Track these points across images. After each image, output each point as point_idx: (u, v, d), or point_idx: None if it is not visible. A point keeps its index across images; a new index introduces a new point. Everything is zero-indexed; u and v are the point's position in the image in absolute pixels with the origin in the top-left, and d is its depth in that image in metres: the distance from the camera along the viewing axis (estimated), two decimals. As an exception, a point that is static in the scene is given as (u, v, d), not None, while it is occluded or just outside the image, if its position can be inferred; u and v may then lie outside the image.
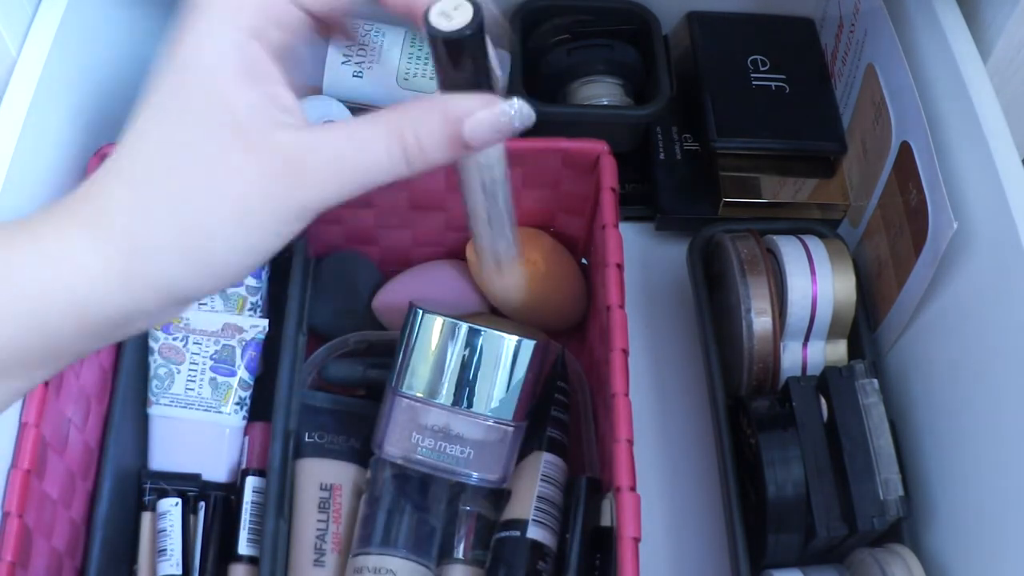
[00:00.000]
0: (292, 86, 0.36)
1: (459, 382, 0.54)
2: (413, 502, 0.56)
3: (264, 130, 0.34)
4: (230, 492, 0.60)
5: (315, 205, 0.34)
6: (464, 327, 0.54)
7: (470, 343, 0.54)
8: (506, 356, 0.54)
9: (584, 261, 0.68)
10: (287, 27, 0.36)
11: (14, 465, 0.50)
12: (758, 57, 0.73)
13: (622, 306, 0.55)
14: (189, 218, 0.33)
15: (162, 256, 0.33)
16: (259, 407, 0.62)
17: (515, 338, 0.54)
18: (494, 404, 0.54)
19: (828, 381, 0.57)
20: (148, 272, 0.33)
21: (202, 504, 0.59)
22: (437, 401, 0.54)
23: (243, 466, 0.60)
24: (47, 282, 0.33)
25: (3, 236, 0.33)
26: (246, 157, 0.33)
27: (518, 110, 0.36)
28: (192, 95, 0.34)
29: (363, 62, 0.67)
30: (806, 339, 0.62)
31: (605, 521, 0.54)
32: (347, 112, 0.67)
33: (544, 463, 0.57)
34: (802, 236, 0.64)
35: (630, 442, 0.50)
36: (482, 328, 0.54)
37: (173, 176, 0.33)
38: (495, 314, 0.67)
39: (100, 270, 0.33)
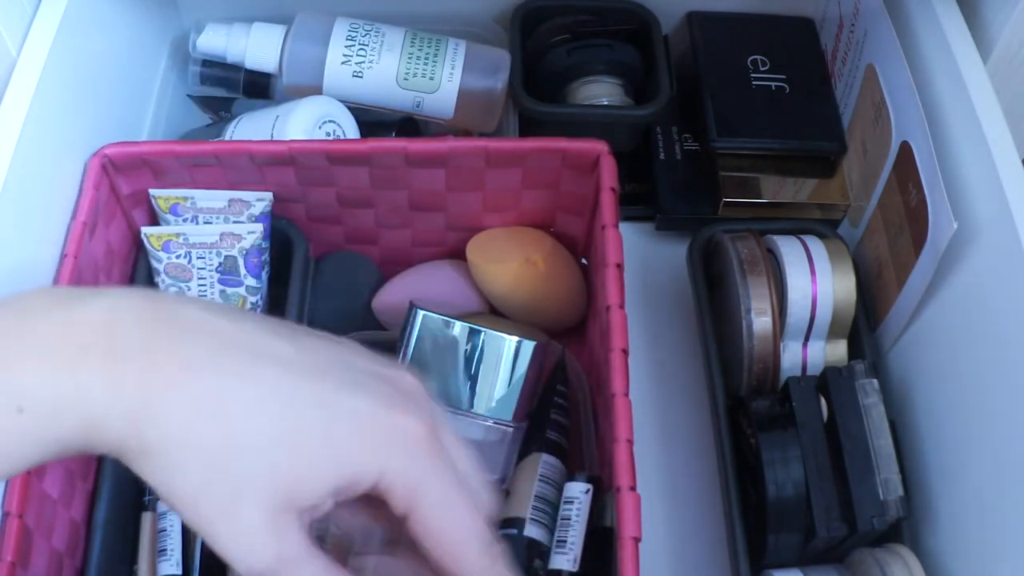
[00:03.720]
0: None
1: (459, 382, 0.54)
2: (413, 502, 0.56)
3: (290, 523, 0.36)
4: (230, 492, 0.60)
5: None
6: (464, 327, 0.54)
7: (470, 343, 0.54)
8: (506, 357, 0.54)
9: (584, 261, 0.68)
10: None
11: (14, 465, 0.50)
12: (758, 57, 0.73)
13: (622, 306, 0.55)
14: (190, 486, 0.35)
15: (147, 470, 0.35)
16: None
17: (515, 339, 0.54)
18: (494, 405, 0.54)
19: (828, 381, 0.57)
20: (131, 464, 0.35)
21: (202, 504, 0.59)
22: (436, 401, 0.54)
23: (243, 466, 0.60)
24: (77, 423, 0.34)
25: (57, 357, 0.34)
26: (257, 521, 0.35)
27: None
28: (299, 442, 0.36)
29: (363, 62, 0.67)
30: (806, 339, 0.62)
31: (605, 521, 0.54)
32: (346, 112, 0.67)
33: (543, 463, 0.57)
34: (802, 236, 0.64)
35: (630, 442, 0.50)
36: (482, 328, 0.54)
37: (213, 448, 0.35)
38: (495, 314, 0.67)
39: (112, 437, 0.35)
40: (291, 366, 0.36)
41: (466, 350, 0.54)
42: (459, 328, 0.54)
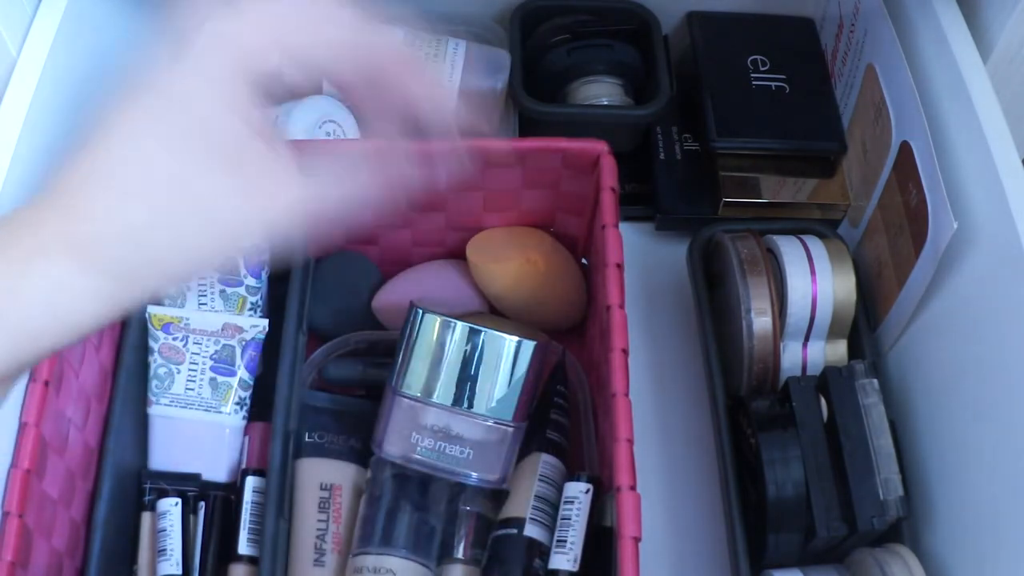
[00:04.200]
0: (270, 109, 0.40)
1: (459, 382, 0.54)
2: (413, 502, 0.56)
3: (250, 160, 0.37)
4: (230, 492, 0.60)
5: (286, 231, 0.39)
6: (464, 327, 0.54)
7: (470, 343, 0.54)
8: (506, 357, 0.54)
9: (584, 261, 0.68)
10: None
11: (14, 465, 0.50)
12: (758, 57, 0.73)
13: (622, 306, 0.55)
14: (175, 241, 0.36)
15: (147, 281, 0.37)
16: (259, 407, 0.62)
17: (515, 339, 0.54)
18: (494, 404, 0.54)
19: (828, 381, 0.57)
20: (132, 293, 0.36)
21: (202, 504, 0.59)
22: (437, 401, 0.54)
23: (243, 466, 0.60)
24: (40, 306, 0.35)
25: None
26: (231, 182, 0.36)
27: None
28: (179, 121, 0.37)
29: (363, 62, 0.67)
30: (806, 339, 0.62)
31: (605, 521, 0.54)
32: (347, 112, 0.67)
33: (543, 463, 0.57)
34: (802, 236, 0.64)
35: (630, 442, 0.50)
36: (482, 328, 0.54)
37: (159, 201, 0.36)
38: (495, 314, 0.67)
39: (90, 298, 0.35)
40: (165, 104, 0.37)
41: (466, 350, 0.54)
42: (459, 328, 0.54)
